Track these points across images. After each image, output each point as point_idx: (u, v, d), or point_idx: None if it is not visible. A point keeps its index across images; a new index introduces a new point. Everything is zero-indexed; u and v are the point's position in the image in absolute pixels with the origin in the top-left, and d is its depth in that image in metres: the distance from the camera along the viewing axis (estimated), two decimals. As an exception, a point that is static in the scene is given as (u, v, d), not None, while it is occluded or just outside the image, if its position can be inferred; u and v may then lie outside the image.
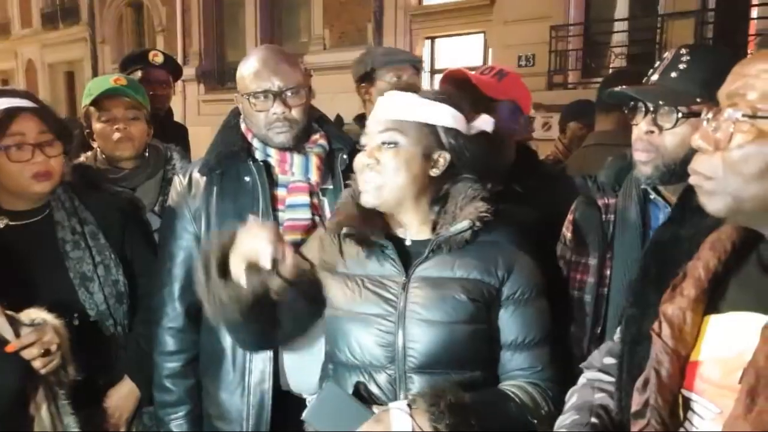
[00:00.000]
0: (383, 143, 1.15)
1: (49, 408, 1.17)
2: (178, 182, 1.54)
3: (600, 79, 6.37)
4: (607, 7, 6.81)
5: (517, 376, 1.17)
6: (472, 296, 1.14)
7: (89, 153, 1.89)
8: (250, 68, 1.46)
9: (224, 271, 1.09)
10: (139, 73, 2.55)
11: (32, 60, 15.53)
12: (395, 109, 1.17)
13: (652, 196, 1.23)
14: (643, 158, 1.16)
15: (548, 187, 1.53)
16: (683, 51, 1.15)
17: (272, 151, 1.47)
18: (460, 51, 8.15)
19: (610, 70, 6.35)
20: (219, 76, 10.80)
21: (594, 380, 1.01)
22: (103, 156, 1.86)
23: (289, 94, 1.41)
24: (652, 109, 1.14)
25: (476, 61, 7.97)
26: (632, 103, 1.18)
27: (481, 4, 7.47)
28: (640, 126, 1.16)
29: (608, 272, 1.25)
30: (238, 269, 1.07)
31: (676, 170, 1.14)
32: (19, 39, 15.68)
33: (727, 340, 0.78)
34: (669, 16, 6.06)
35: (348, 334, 1.17)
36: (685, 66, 1.13)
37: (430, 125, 1.16)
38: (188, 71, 8.73)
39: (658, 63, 1.19)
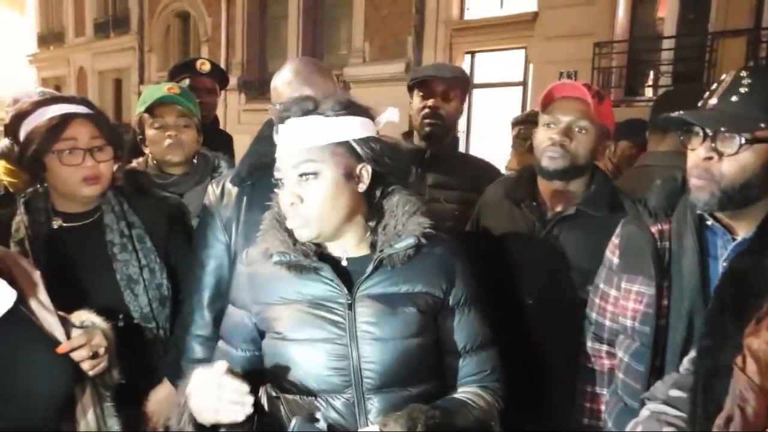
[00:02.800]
0: (301, 175, 1.09)
1: (95, 410, 1.19)
2: (212, 191, 1.57)
3: (644, 98, 6.32)
4: (654, 24, 6.68)
5: (470, 382, 1.18)
6: (421, 309, 1.13)
7: (141, 159, 1.94)
8: (283, 78, 1.49)
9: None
10: (186, 81, 2.61)
11: (84, 67, 16.13)
12: (304, 137, 1.10)
13: (710, 222, 1.18)
14: (700, 185, 1.11)
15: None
16: (744, 73, 1.10)
17: None
18: (501, 66, 8.10)
19: (655, 89, 6.24)
20: (260, 86, 10.99)
21: (659, 413, 0.97)
22: (154, 162, 1.90)
23: None
24: (711, 134, 1.09)
25: (517, 77, 7.91)
26: (687, 127, 1.14)
27: (524, 19, 7.42)
28: (698, 152, 1.11)
29: (665, 302, 1.20)
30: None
31: (735, 197, 1.09)
32: (73, 47, 16.32)
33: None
34: (719, 35, 5.90)
35: (294, 360, 1.11)
36: (747, 89, 1.08)
37: (344, 142, 1.11)
38: (230, 81, 8.94)
39: (715, 85, 1.14)
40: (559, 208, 1.59)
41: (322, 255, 1.16)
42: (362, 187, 1.13)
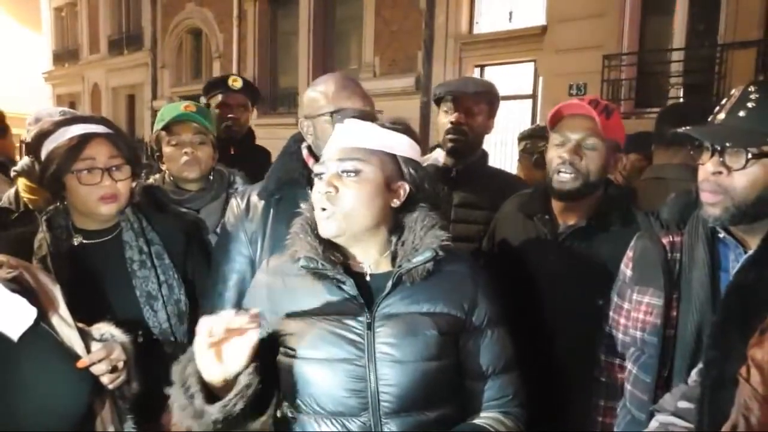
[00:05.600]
0: (344, 172, 1.10)
1: (115, 424, 1.20)
2: (236, 205, 1.57)
3: (654, 110, 6.30)
4: (663, 36, 6.68)
5: (491, 407, 1.14)
6: (442, 330, 1.10)
7: (158, 175, 1.98)
8: (328, 89, 1.48)
9: (209, 395, 1.01)
10: (219, 98, 2.68)
11: (98, 84, 16.38)
12: (356, 137, 1.12)
13: (722, 235, 1.19)
14: (711, 200, 1.12)
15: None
16: (752, 88, 1.12)
17: None
18: (510, 79, 8.13)
19: (665, 101, 6.23)
20: (271, 101, 11.11)
21: (667, 424, 0.98)
22: (171, 178, 1.94)
23: (365, 117, 1.44)
24: (718, 149, 1.10)
25: (526, 90, 7.93)
26: (697, 141, 1.15)
27: (533, 32, 7.46)
28: (707, 166, 1.13)
29: (674, 313, 1.20)
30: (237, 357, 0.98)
31: (748, 211, 1.10)
32: (87, 64, 16.59)
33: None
34: (729, 46, 5.90)
35: (310, 380, 1.08)
36: (754, 104, 1.09)
37: (392, 155, 1.13)
38: (242, 96, 9.02)
39: (724, 101, 1.15)
40: (571, 222, 1.61)
41: (347, 269, 1.14)
42: (396, 203, 1.14)
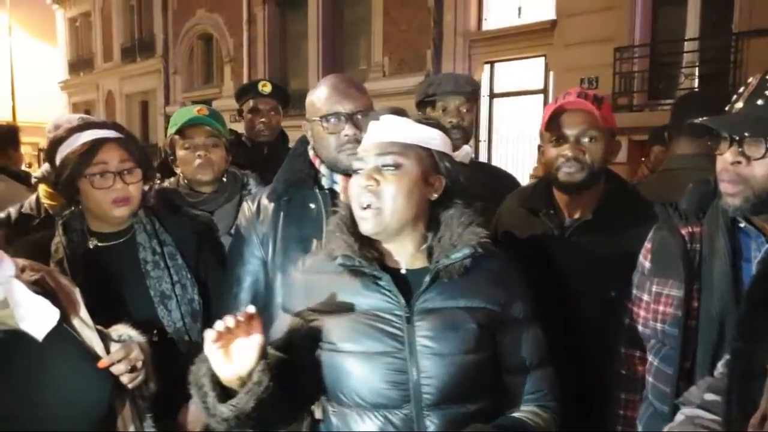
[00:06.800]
0: (384, 166, 1.11)
1: (134, 422, 1.22)
2: (247, 208, 1.59)
3: (667, 101, 6.23)
4: (675, 26, 6.59)
5: (528, 401, 1.15)
6: (480, 324, 1.11)
7: (173, 178, 2.00)
8: (321, 93, 1.50)
9: (221, 390, 1.01)
10: (251, 103, 2.75)
11: (112, 91, 16.62)
12: (393, 132, 1.14)
13: (742, 224, 1.17)
14: (731, 190, 1.10)
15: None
16: None
17: (339, 179, 1.50)
18: (521, 75, 8.09)
19: (679, 92, 6.15)
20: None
21: (693, 417, 0.96)
22: (185, 181, 1.96)
23: (359, 116, 1.44)
24: (737, 139, 1.08)
25: (537, 85, 7.88)
26: (715, 131, 1.13)
27: (542, 27, 7.41)
28: (725, 156, 1.11)
29: (696, 304, 1.18)
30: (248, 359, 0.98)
31: None
32: (101, 72, 16.84)
33: None
34: (744, 35, 5.81)
35: (352, 374, 1.09)
36: None
37: (428, 149, 1.14)
38: (254, 99, 9.09)
39: (741, 89, 1.13)
40: (576, 215, 1.61)
41: (382, 265, 1.15)
42: (434, 196, 1.15)
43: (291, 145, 2.90)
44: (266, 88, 2.78)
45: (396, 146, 1.12)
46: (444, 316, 1.10)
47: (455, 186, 1.16)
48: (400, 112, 1.17)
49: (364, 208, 1.11)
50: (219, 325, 0.97)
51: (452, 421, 1.06)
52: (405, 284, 1.13)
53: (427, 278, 1.11)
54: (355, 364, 1.09)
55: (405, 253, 1.16)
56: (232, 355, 0.99)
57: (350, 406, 1.11)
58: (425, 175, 1.13)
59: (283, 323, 1.21)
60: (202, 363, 1.03)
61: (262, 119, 2.74)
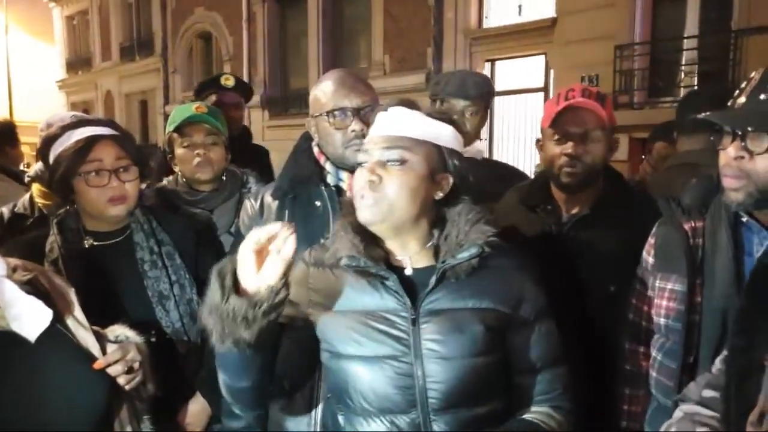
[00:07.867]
0: (389, 161, 1.06)
1: (131, 423, 1.20)
2: (250, 206, 1.57)
3: (668, 99, 6.21)
4: (675, 24, 6.58)
5: (541, 401, 1.11)
6: (489, 326, 1.07)
7: (171, 177, 1.98)
8: (326, 88, 1.47)
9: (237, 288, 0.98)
10: (213, 97, 2.67)
11: (110, 90, 16.58)
12: (401, 126, 1.08)
13: (745, 219, 1.17)
14: (734, 185, 1.10)
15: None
16: None
17: (344, 175, 1.48)
18: (521, 73, 8.07)
19: (679, 89, 6.14)
20: (283, 102, 11.15)
21: (692, 414, 0.96)
22: (184, 179, 1.94)
23: (366, 112, 1.41)
24: (740, 133, 1.08)
25: (537, 83, 7.87)
26: (718, 126, 1.13)
27: (543, 25, 7.40)
28: (728, 151, 1.10)
29: (699, 299, 1.18)
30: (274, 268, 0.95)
31: None
32: (100, 71, 16.79)
33: None
34: (743, 32, 5.79)
35: (357, 378, 1.06)
36: None
37: (437, 145, 1.09)
38: (254, 98, 9.07)
39: (744, 84, 1.13)
40: (574, 211, 1.60)
41: (388, 264, 1.11)
42: (439, 195, 1.10)
43: (270, 144, 2.88)
44: (229, 81, 2.72)
45: (404, 141, 1.07)
46: (450, 318, 1.06)
47: (464, 184, 1.12)
48: (411, 104, 1.12)
49: (363, 200, 1.08)
50: (263, 235, 0.94)
51: (460, 425, 1.04)
52: (410, 284, 1.09)
53: (433, 278, 1.07)
54: (360, 369, 1.06)
55: (409, 251, 1.12)
56: (262, 267, 0.95)
57: (357, 411, 1.08)
58: (432, 173, 1.09)
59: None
60: (228, 261, 0.99)
61: (225, 114, 2.67)
